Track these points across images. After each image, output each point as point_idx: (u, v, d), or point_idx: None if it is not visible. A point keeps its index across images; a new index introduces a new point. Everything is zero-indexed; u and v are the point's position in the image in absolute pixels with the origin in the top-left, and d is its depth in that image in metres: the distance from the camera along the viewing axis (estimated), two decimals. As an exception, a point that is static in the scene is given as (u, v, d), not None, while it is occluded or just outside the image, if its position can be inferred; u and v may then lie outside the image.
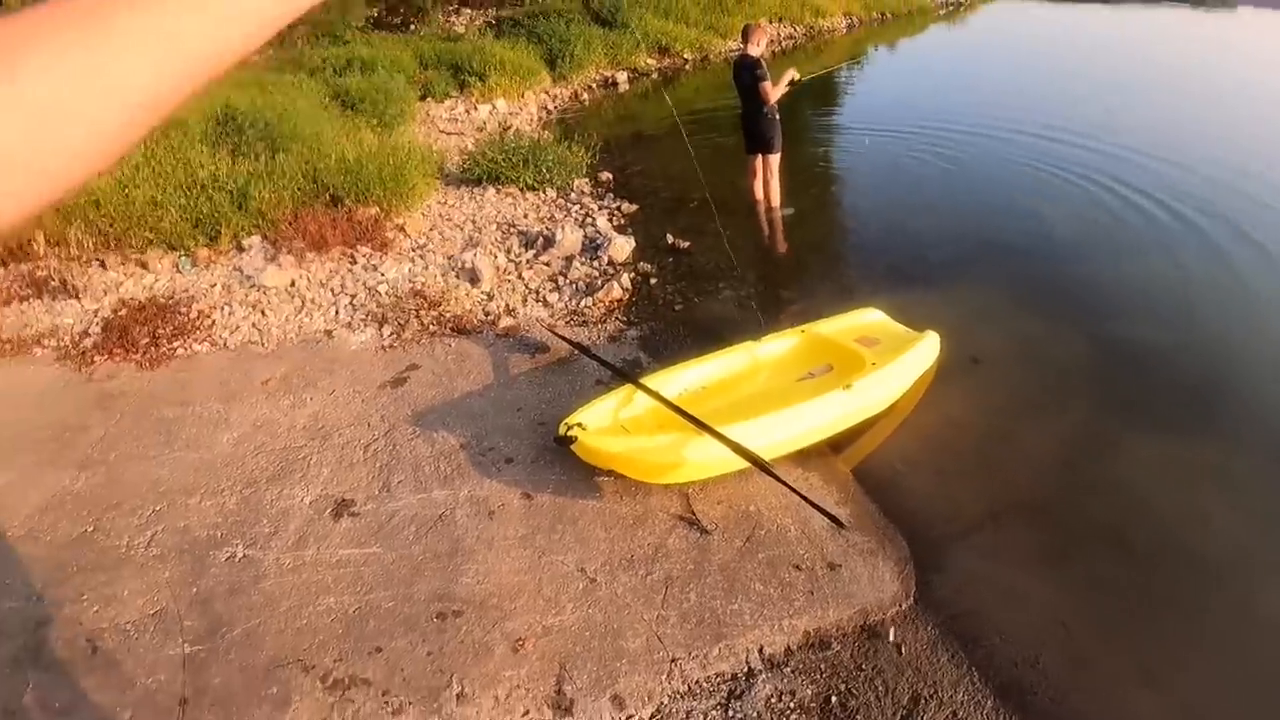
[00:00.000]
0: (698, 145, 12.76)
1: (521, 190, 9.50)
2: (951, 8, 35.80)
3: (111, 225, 8.23)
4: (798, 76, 8.51)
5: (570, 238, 7.72)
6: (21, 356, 6.77)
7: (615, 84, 17.73)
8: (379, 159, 8.92)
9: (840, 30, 25.93)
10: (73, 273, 7.69)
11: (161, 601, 4.01)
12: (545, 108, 15.62)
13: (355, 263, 7.41)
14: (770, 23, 23.15)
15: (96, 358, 6.25)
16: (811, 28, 24.44)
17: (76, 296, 7.43)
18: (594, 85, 17.50)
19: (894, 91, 17.26)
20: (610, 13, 19.26)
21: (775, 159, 8.85)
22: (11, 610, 4.14)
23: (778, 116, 8.58)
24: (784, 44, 22.98)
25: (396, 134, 11.69)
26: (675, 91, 17.79)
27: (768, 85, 8.27)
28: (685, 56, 19.63)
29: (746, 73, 8.36)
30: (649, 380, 4.99)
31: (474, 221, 8.66)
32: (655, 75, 18.70)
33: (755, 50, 8.32)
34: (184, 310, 6.63)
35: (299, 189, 8.46)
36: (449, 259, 7.57)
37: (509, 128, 13.20)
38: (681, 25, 20.26)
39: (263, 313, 6.55)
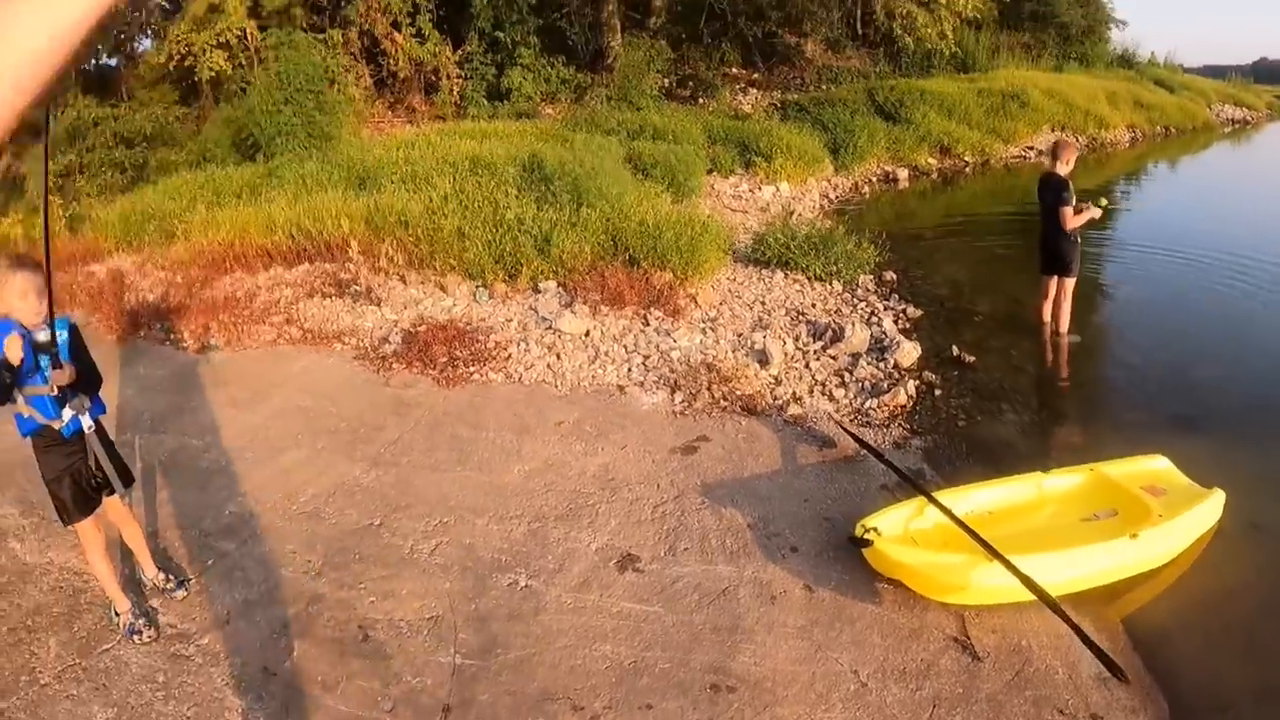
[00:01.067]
0: (977, 253, 12.82)
1: (809, 279, 9.71)
2: (1236, 125, 34.20)
3: (417, 245, 9.18)
4: (1100, 211, 8.34)
5: (859, 335, 7.81)
6: (323, 348, 7.62)
7: (895, 180, 17.98)
8: (676, 227, 9.41)
9: (1123, 143, 25.46)
10: (377, 282, 8.61)
11: (439, 609, 4.28)
12: (826, 195, 16.04)
13: (648, 324, 7.79)
14: (1052, 130, 22.97)
15: (395, 365, 6.92)
16: (1094, 138, 24.14)
17: (378, 304, 8.29)
18: (874, 179, 17.84)
19: (1184, 212, 16.35)
20: (894, 107, 19.68)
21: (1070, 282, 8.62)
22: (288, 578, 4.57)
23: (1078, 238, 8.42)
24: (1050, 143, 22.53)
25: (689, 204, 12.39)
26: (954, 194, 17.82)
27: (1068, 212, 8.12)
28: (965, 159, 19.74)
29: (1050, 192, 8.27)
30: (938, 496, 5.01)
31: (763, 303, 8.91)
32: (935, 175, 18.85)
33: (1062, 169, 8.22)
34: (481, 339, 7.21)
35: (599, 244, 9.06)
36: (738, 336, 7.80)
37: (792, 212, 13.64)
38: (964, 126, 20.41)
39: (558, 355, 7.00)
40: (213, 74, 16.67)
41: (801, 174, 16.05)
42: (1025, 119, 22.09)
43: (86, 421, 3.82)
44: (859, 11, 25.56)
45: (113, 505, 4.22)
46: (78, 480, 3.92)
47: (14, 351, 3.51)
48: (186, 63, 16.80)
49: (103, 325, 8.62)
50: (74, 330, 3.85)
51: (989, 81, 23.67)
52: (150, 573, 4.51)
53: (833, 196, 16.09)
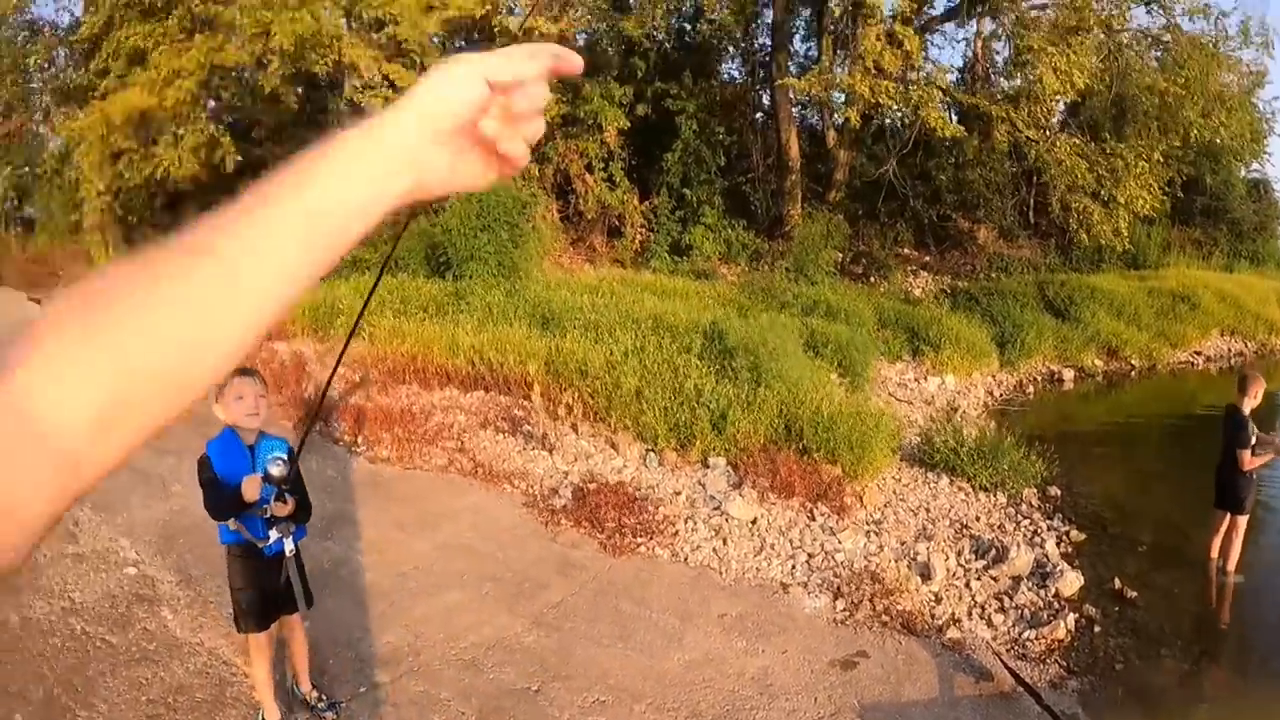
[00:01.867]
0: (1144, 469, 12.30)
1: (975, 488, 9.52)
2: None
3: (593, 398, 9.45)
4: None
5: (1022, 558, 7.59)
6: (493, 487, 7.84)
7: (1060, 380, 17.63)
8: (850, 420, 9.40)
9: None
10: (551, 428, 8.88)
11: (590, 800, 4.25)
12: (991, 392, 15.84)
13: (814, 519, 7.75)
14: (1221, 335, 22.24)
15: (564, 520, 7.06)
16: (1264, 344, 22.99)
17: (550, 451, 8.53)
18: (1039, 377, 17.52)
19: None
20: (1064, 303, 19.47)
21: (1243, 520, 8.19)
22: (440, 722, 4.62)
23: (1254, 475, 8.03)
24: (1232, 360, 21.56)
25: (860, 393, 12.47)
26: (1119, 398, 17.42)
27: (1245, 456, 7.80)
28: (1133, 362, 19.21)
29: (1230, 428, 8.00)
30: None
31: (928, 510, 8.76)
32: (1100, 377, 18.40)
33: (1248, 403, 7.92)
34: (650, 509, 7.30)
35: (773, 427, 9.14)
36: (902, 544, 7.68)
37: (956, 409, 13.54)
38: (1133, 328, 19.92)
39: (724, 540, 7.02)
40: (419, 185, 17.90)
41: (968, 367, 15.98)
42: (1195, 322, 21.52)
43: (289, 546, 3.95)
44: (1033, 201, 25.84)
45: (289, 620, 4.38)
46: (264, 595, 4.06)
47: (251, 492, 3.71)
48: (395, 170, 18.09)
49: (280, 410, 9.13)
50: (292, 455, 3.97)
51: (1159, 280, 23.33)
52: (305, 687, 4.62)
53: (997, 394, 15.91)
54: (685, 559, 6.73)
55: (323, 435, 8.78)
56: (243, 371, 3.89)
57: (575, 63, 0.77)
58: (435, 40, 19.13)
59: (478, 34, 20.49)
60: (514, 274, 14.60)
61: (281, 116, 18.07)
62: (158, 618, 5.39)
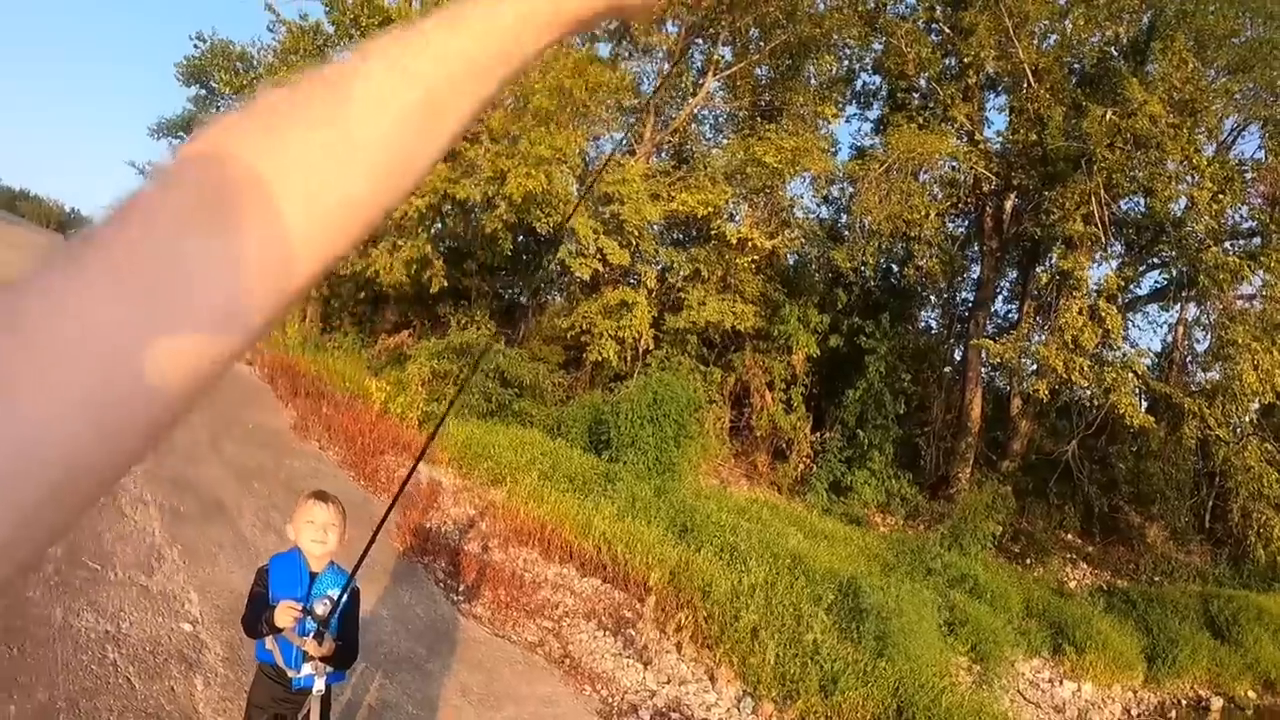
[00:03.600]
0: None
1: None
2: None
3: (706, 622, 8.91)
4: None
5: None
6: (574, 684, 7.34)
7: (1206, 708, 15.61)
8: (968, 718, 8.50)
9: None
10: (653, 639, 8.38)
11: None
12: (1128, 709, 14.27)
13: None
14: None
15: (637, 743, 6.51)
16: None
17: (645, 664, 8.00)
18: (1184, 700, 15.63)
19: None
20: (1226, 623, 17.37)
21: None
22: None
23: None
24: None
25: (987, 687, 11.44)
26: None
27: None
28: None
29: None
30: None
31: None
32: (1250, 711, 16.20)
33: None
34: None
35: (883, 705, 8.32)
36: None
37: None
38: None
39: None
40: (600, 359, 18.21)
41: (1109, 677, 14.42)
42: None
43: (320, 685, 3.68)
44: (1210, 504, 23.78)
45: None
46: None
47: (285, 620, 3.48)
48: (584, 339, 18.53)
49: (396, 532, 9.02)
50: (355, 596, 3.83)
51: None
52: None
53: (1134, 713, 14.21)
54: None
55: (426, 570, 8.59)
56: (320, 496, 3.80)
57: None
58: (653, 228, 19.89)
59: (695, 232, 21.27)
60: (669, 472, 14.42)
61: (495, 257, 19.01)
62: (189, 683, 5.17)
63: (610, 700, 7.23)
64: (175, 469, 8.51)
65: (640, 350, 19.55)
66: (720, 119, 24.01)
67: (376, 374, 14.80)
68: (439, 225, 18.38)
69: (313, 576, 3.73)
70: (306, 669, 3.65)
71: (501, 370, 15.92)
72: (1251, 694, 16.80)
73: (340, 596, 3.52)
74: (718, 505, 13.92)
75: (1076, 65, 21.34)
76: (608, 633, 8.55)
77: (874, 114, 24.25)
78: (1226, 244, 18.62)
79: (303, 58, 18.87)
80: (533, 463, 12.80)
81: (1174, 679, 15.80)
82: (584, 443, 15.42)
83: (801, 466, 20.95)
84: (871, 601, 10.25)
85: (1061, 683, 13.91)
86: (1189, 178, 18.15)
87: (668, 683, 7.88)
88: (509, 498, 11.25)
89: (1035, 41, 21.27)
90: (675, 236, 22.22)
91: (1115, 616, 16.44)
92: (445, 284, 16.94)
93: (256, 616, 3.58)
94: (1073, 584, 19.82)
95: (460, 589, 8.46)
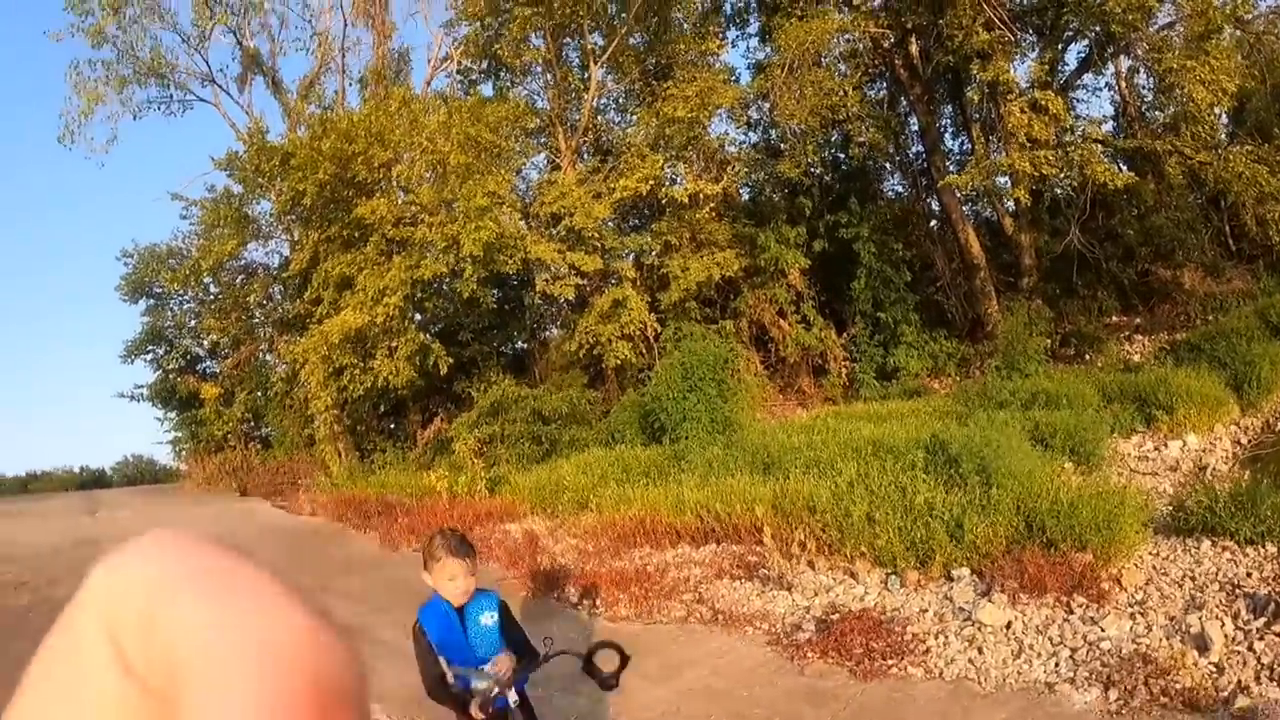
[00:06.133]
0: None
1: (1239, 544, 8.65)
2: None
3: (824, 531, 9.38)
4: None
5: None
6: (734, 631, 7.85)
7: None
8: (1092, 503, 8.88)
9: None
10: (787, 568, 8.85)
11: None
12: (1237, 441, 14.61)
13: (1071, 612, 7.29)
14: None
15: (810, 654, 6.96)
16: None
17: (789, 590, 8.49)
18: None
19: None
20: None
21: None
22: None
23: None
24: None
25: (1098, 474, 11.84)
26: None
27: None
28: None
29: None
30: None
31: (1193, 578, 8.05)
32: None
33: None
34: (898, 630, 7.11)
35: (1012, 526, 8.75)
36: (1171, 620, 7.08)
37: (1205, 466, 12.68)
38: None
39: (979, 650, 6.71)
40: (618, 362, 18.70)
41: (1207, 421, 14.76)
42: None
43: (513, 697, 3.89)
44: (1228, 227, 24.17)
45: None
46: None
47: (479, 713, 3.69)
48: (596, 351, 19.02)
49: (517, 582, 9.55)
50: (504, 609, 4.05)
51: None
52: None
53: (1244, 441, 14.57)
54: (940, 674, 6.47)
55: (560, 601, 9.09)
56: (457, 552, 3.96)
57: None
58: (609, 224, 20.35)
59: (648, 209, 21.73)
60: (728, 428, 14.88)
61: (483, 318, 19.57)
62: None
63: (774, 630, 7.71)
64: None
65: (650, 337, 20.03)
66: (620, 99, 24.46)
67: (429, 468, 15.33)
68: (419, 314, 18.92)
69: (460, 612, 3.98)
70: (497, 693, 3.82)
71: (539, 411, 16.42)
72: None
73: (502, 609, 3.98)
74: (785, 434, 14.35)
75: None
76: (743, 580, 9.02)
77: (754, 28, 24.58)
78: None
79: (226, 225, 19.46)
80: (606, 476, 13.30)
81: (1267, 397, 16.11)
82: (642, 439, 15.91)
83: (844, 371, 21.39)
84: (959, 446, 10.64)
85: (1166, 445, 14.27)
86: None
87: (815, 595, 8.35)
88: (599, 514, 11.77)
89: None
90: (633, 222, 22.69)
91: (1188, 368, 16.69)
92: (450, 362, 17.47)
93: (437, 681, 3.80)
94: (1136, 357, 20.13)
95: (597, 602, 8.95)
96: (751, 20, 24.60)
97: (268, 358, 22.44)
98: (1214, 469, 12.45)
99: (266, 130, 19.45)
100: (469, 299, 17.28)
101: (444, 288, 18.69)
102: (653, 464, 13.66)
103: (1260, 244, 21.93)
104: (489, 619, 4.02)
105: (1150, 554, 8.85)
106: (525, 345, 23.15)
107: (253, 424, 23.24)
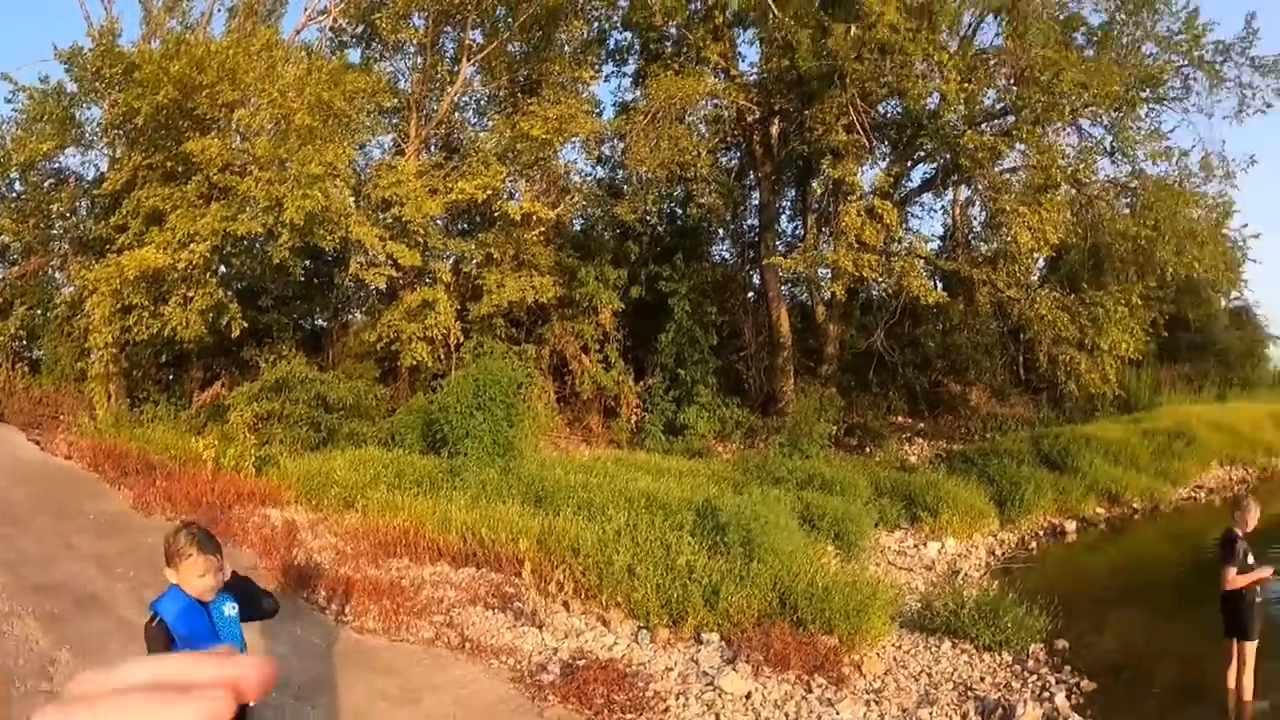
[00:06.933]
0: (1153, 612, 11.98)
1: (978, 648, 9.46)
2: None
3: (584, 575, 9.51)
4: (1271, 570, 8.17)
5: (1030, 715, 7.58)
6: (480, 661, 7.82)
7: (1062, 532, 17.59)
8: (845, 590, 9.42)
9: None
10: (542, 605, 8.91)
11: None
12: (992, 552, 15.82)
13: (810, 691, 7.71)
14: (1220, 465, 22.60)
15: (551, 696, 7.03)
16: (1264, 468, 23.45)
17: (540, 628, 8.54)
18: (1041, 532, 17.53)
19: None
20: (1060, 455, 19.64)
21: (1250, 647, 8.28)
22: None
23: (1255, 598, 8.20)
24: (1235, 489, 21.50)
25: (857, 562, 12.55)
26: (1124, 543, 17.46)
27: (1229, 573, 8.04)
28: (1134, 505, 19.20)
29: (1220, 550, 8.25)
30: None
31: (929, 675, 8.72)
32: (1103, 525, 18.40)
33: (1238, 528, 8.13)
34: (641, 685, 7.29)
35: (765, 600, 9.16)
36: (903, 711, 7.64)
37: (958, 571, 13.63)
38: (1131, 471, 19.98)
39: (717, 716, 6.98)
40: (414, 363, 18.32)
41: (967, 529, 15.99)
42: (1192, 456, 21.84)
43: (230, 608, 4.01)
44: (1021, 358, 26.69)
45: None
46: None
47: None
48: (394, 347, 18.57)
49: (269, 574, 9.17)
50: (234, 581, 4.12)
51: (1153, 420, 23.87)
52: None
53: (999, 553, 15.89)
54: (677, 736, 6.68)
55: (308, 602, 8.80)
56: (205, 549, 3.90)
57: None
58: (438, 222, 20.04)
59: (479, 217, 21.54)
60: (509, 452, 14.85)
61: (288, 287, 18.72)
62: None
63: (519, 666, 7.73)
64: (35, 575, 8.43)
65: (451, 345, 19.74)
66: (482, 102, 24.17)
67: (200, 433, 14.50)
68: (224, 268, 17.93)
69: (205, 607, 3.93)
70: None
71: (323, 397, 15.88)
72: (1099, 510, 18.86)
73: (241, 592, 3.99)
74: (564, 469, 14.49)
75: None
76: (496, 610, 9.01)
77: (631, 69, 24.95)
78: (982, 126, 20.26)
79: (49, 123, 17.85)
80: (377, 478, 12.98)
81: (1026, 516, 17.55)
82: (421, 446, 15.63)
83: (634, 418, 21.77)
84: (728, 515, 11.03)
85: (925, 544, 15.22)
86: (936, 74, 19.68)
87: (565, 637, 8.44)
88: (364, 516, 11.48)
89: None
90: (461, 226, 22.38)
91: (959, 477, 17.98)
92: (245, 325, 16.62)
93: None
94: (913, 459, 21.54)
95: (346, 610, 8.71)
96: (630, 61, 25.00)
97: (57, 275, 20.50)
98: (966, 574, 13.43)
99: (120, 33, 17.84)
100: (278, 265, 16.45)
101: (255, 248, 17.75)
102: (427, 474, 13.46)
103: (1047, 380, 24.07)
104: (231, 609, 4.01)
105: (893, 646, 9.48)
106: (325, 325, 22.28)
107: (25, 343, 21.11)
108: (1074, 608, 11.08)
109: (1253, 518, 8.42)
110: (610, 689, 7.10)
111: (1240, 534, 8.30)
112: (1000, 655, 9.43)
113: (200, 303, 15.91)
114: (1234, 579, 8.21)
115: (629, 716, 6.81)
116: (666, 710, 7.02)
